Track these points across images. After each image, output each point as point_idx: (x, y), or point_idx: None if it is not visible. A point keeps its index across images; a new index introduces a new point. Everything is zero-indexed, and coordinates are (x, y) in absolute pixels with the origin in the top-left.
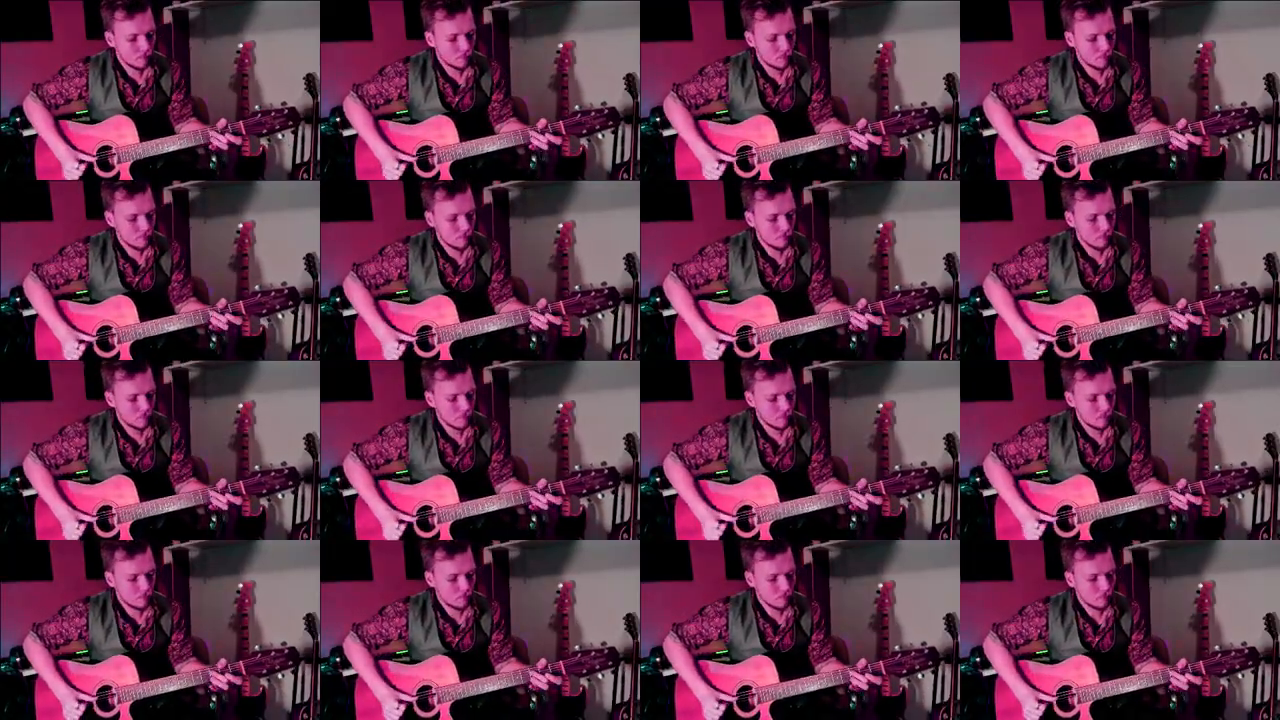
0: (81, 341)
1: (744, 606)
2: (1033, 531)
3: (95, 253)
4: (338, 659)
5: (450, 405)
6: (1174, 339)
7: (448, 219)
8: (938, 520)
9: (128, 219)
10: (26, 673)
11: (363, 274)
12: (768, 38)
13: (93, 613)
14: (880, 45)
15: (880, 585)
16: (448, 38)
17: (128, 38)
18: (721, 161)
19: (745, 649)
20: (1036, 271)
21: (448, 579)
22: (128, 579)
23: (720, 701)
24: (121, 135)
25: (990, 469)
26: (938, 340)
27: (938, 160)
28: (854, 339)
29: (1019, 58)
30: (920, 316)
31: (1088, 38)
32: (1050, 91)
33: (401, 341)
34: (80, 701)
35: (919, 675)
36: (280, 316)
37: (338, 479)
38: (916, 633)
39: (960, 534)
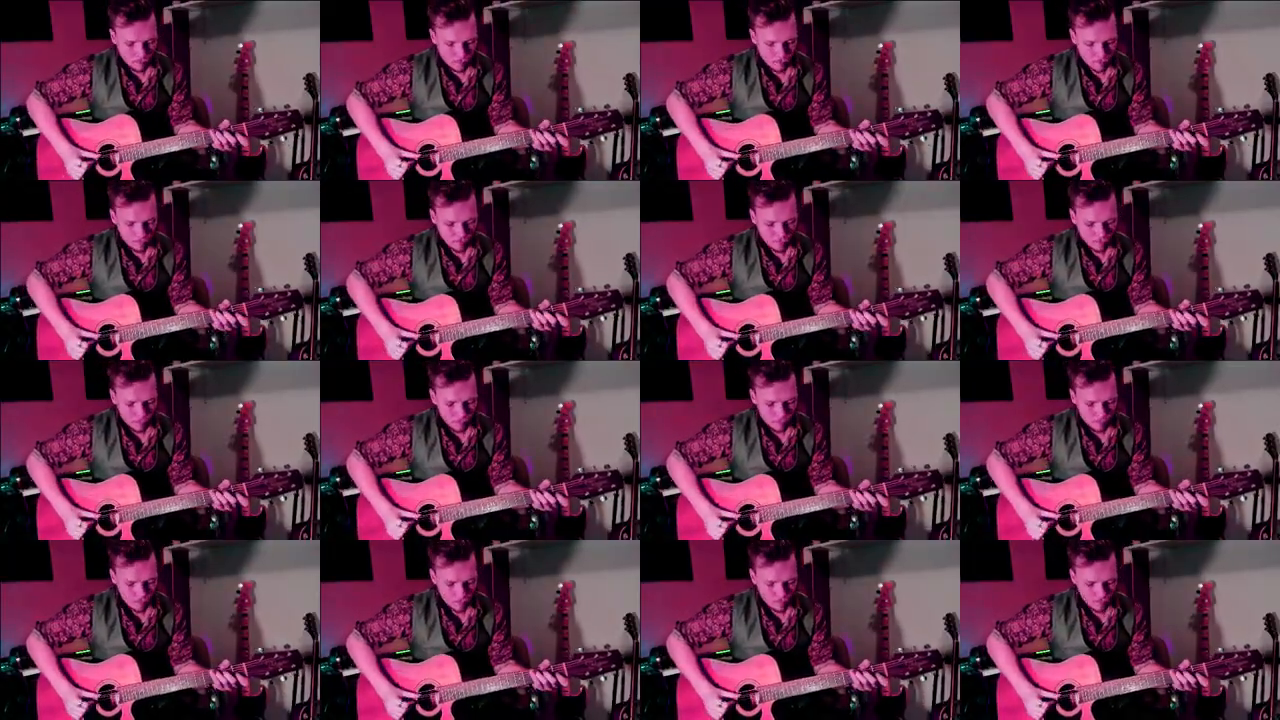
0: (84, 339)
1: (748, 604)
2: (1036, 530)
3: (99, 250)
4: (338, 659)
5: (448, 409)
6: (1174, 339)
7: (446, 224)
8: (938, 520)
9: (126, 224)
10: (27, 673)
11: (366, 271)
12: (766, 43)
13: (96, 610)
14: (880, 45)
15: (880, 585)
16: (446, 43)
17: (126, 43)
18: (724, 159)
19: (748, 647)
20: (1040, 269)
21: (446, 584)
22: (126, 584)
23: (723, 700)
24: (124, 134)
25: (993, 467)
26: (938, 340)
27: (938, 160)
28: (854, 339)
29: (1019, 58)
30: (923, 319)
31: (1086, 43)
32: (1053, 89)
33: (404, 340)
34: (83, 700)
35: (921, 678)
36: (282, 318)
37: (338, 479)
38: (917, 633)
39: (960, 534)
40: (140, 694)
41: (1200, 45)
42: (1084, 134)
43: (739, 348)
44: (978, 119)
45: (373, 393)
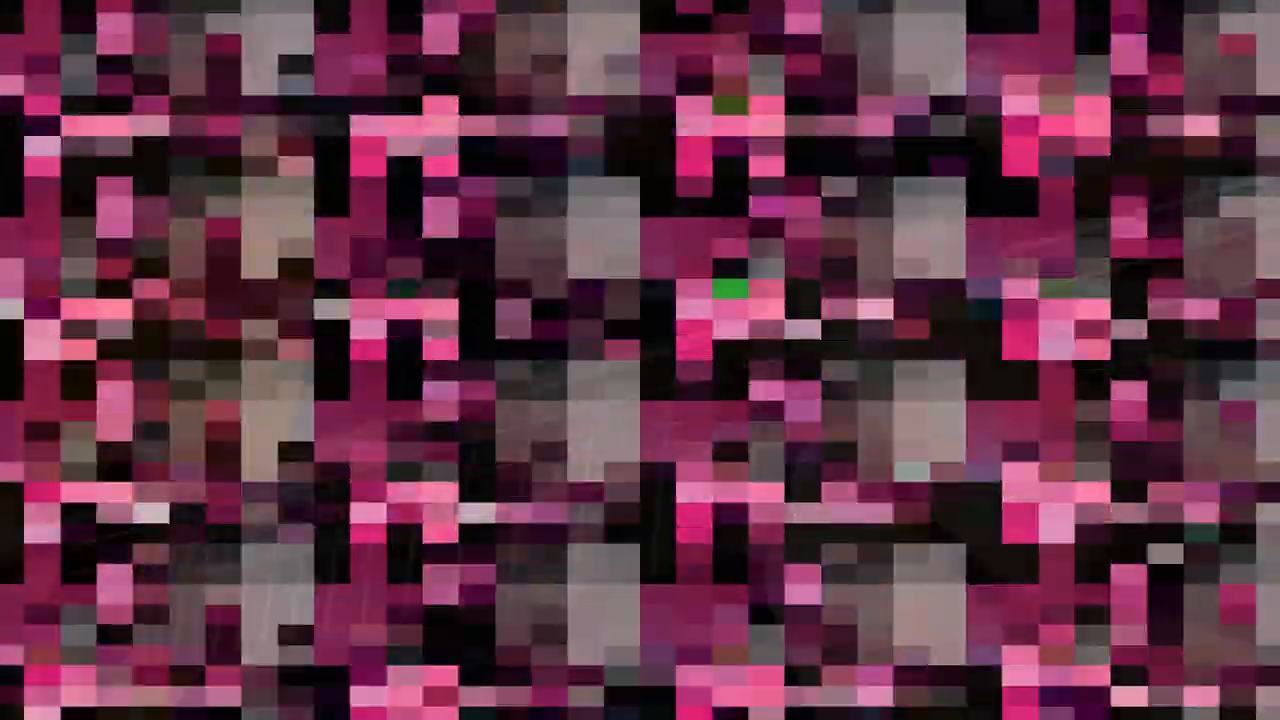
0: (71, 337)
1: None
2: (1050, 535)
3: (83, 244)
4: (335, 662)
5: (444, 410)
6: (1187, 338)
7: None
8: (941, 521)
9: (111, 218)
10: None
11: (361, 269)
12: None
13: (86, 612)
14: (888, 42)
15: (886, 586)
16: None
17: (108, 34)
18: (724, 156)
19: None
20: (1049, 266)
21: (443, 584)
22: (113, 585)
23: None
24: (110, 126)
25: (1002, 466)
26: (940, 340)
27: (941, 158)
28: (854, 339)
29: (1028, 52)
30: (928, 318)
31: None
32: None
33: (401, 338)
34: (73, 704)
35: (925, 677)
36: (279, 315)
37: (335, 480)
38: (919, 633)
39: (963, 533)
40: (136, 695)
41: (1219, 36)
42: (1096, 125)
43: (744, 347)
44: (981, 116)
45: (370, 392)
